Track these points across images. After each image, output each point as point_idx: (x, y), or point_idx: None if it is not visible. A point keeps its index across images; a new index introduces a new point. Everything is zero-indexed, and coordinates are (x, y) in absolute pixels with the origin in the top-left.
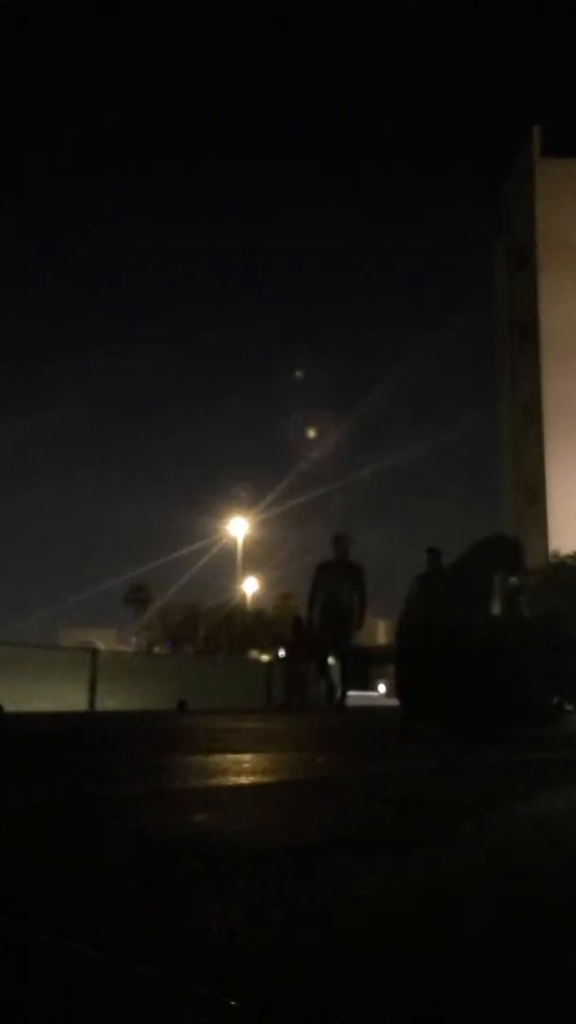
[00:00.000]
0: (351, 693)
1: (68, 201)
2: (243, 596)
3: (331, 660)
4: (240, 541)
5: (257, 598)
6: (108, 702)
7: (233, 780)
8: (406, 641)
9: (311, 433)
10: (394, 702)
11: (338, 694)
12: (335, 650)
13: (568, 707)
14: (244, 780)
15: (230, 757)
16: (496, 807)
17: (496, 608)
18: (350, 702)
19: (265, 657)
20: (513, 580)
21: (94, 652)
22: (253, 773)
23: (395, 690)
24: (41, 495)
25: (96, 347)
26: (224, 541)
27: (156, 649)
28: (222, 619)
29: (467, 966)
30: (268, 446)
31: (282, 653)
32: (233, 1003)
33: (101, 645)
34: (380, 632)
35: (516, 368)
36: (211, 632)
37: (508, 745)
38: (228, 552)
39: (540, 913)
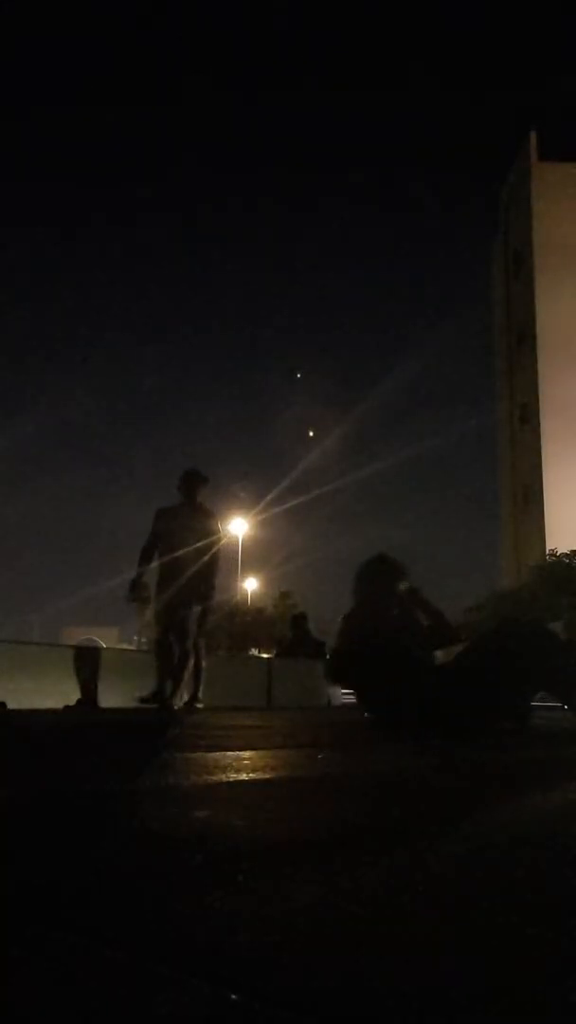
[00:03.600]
0: (347, 691)
1: (64, 198)
2: (243, 595)
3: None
4: (240, 540)
5: (257, 596)
6: (110, 700)
7: (234, 776)
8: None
9: (310, 433)
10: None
11: (184, 695)
12: (177, 629)
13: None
14: (245, 776)
15: (231, 754)
16: (496, 804)
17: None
18: (348, 700)
19: (266, 655)
20: (403, 586)
21: (96, 651)
22: (254, 770)
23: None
24: (43, 494)
25: (94, 346)
26: (224, 540)
27: None
28: (222, 618)
29: (470, 964)
30: (268, 446)
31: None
32: (234, 997)
33: (103, 644)
34: None
35: (513, 370)
36: (212, 630)
37: (499, 743)
38: (228, 551)
39: (541, 911)
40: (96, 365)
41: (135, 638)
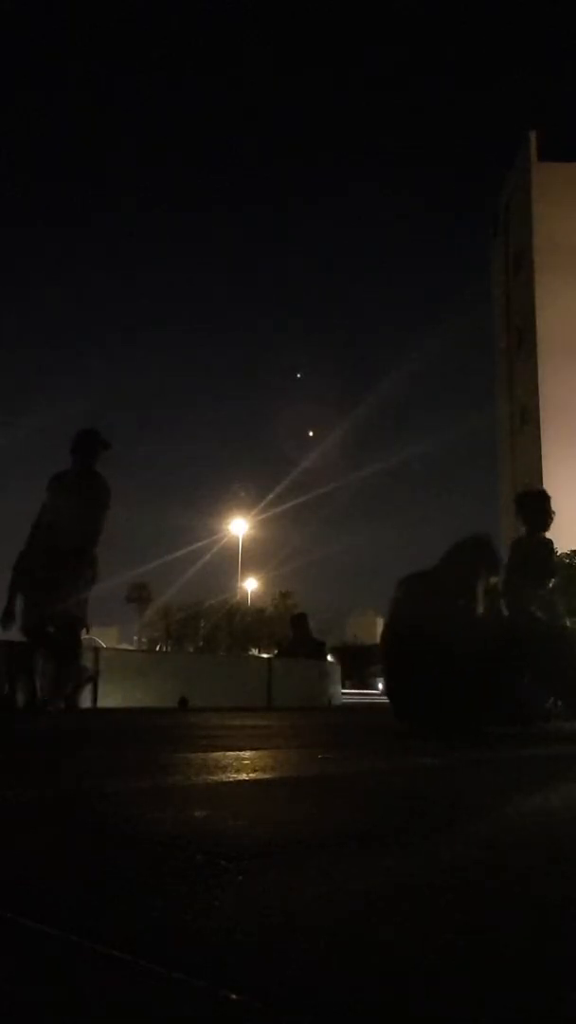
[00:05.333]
0: (347, 691)
1: (65, 196)
2: (243, 594)
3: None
4: (240, 540)
5: (257, 596)
6: (110, 700)
7: (234, 776)
8: (393, 643)
9: (310, 433)
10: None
11: (65, 691)
12: (46, 617)
13: (560, 709)
14: (245, 776)
15: (231, 754)
16: (496, 803)
17: (479, 608)
18: (348, 700)
19: (266, 655)
20: (494, 580)
21: (96, 650)
22: (254, 769)
23: (386, 690)
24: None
25: (95, 345)
26: (225, 540)
27: (158, 647)
28: (223, 617)
29: (471, 966)
30: (268, 446)
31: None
32: (233, 996)
33: (102, 643)
34: (379, 629)
35: (513, 370)
36: (212, 630)
37: (496, 742)
38: (229, 551)
39: (542, 908)
40: (96, 364)
41: (135, 638)
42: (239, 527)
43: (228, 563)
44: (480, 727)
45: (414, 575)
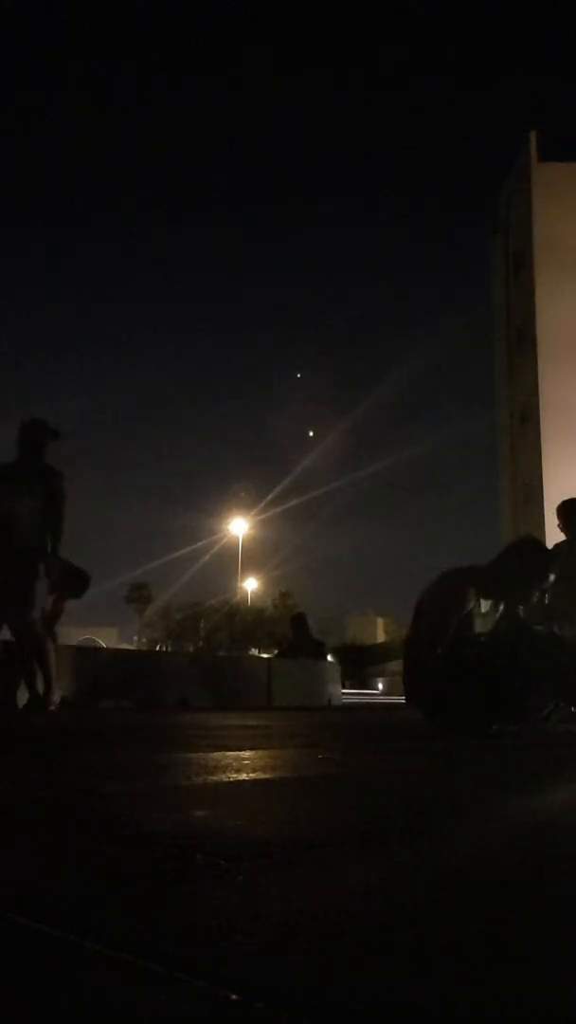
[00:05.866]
0: (347, 691)
1: (65, 196)
2: (243, 594)
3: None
4: (240, 540)
5: (257, 596)
6: (111, 699)
7: (234, 776)
8: (417, 644)
9: (310, 434)
10: (391, 700)
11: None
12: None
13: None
14: (245, 776)
15: (231, 754)
16: (498, 804)
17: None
18: (347, 700)
19: (266, 655)
20: (542, 585)
21: (96, 651)
22: (254, 769)
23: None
24: None
25: (96, 345)
26: (225, 540)
27: (158, 647)
28: (223, 617)
29: (470, 966)
30: (268, 446)
31: None
32: (233, 996)
33: (103, 643)
34: (379, 629)
35: (513, 370)
36: (212, 630)
37: (500, 743)
38: (229, 551)
39: (542, 907)
40: (95, 364)
41: (135, 638)
42: (239, 527)
43: (228, 563)
44: (487, 727)
45: (456, 570)
